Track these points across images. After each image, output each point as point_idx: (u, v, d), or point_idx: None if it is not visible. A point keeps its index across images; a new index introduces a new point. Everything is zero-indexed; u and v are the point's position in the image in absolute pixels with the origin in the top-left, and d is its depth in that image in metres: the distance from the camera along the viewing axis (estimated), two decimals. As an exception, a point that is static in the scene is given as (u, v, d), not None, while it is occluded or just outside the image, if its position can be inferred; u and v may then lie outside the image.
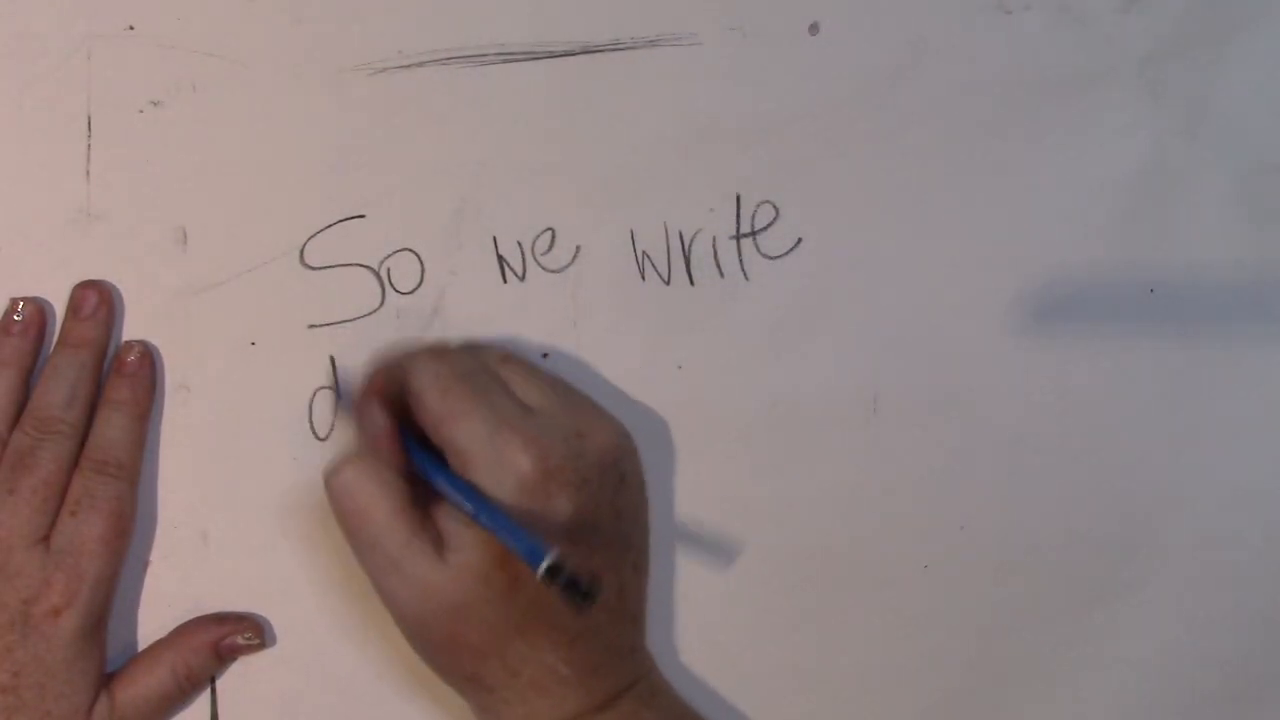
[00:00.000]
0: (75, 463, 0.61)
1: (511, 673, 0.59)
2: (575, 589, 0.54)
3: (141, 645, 0.63)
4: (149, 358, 0.63)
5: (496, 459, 0.58)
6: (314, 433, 0.64)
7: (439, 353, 0.61)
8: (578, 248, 0.65)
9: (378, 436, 0.60)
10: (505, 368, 0.62)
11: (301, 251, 0.64)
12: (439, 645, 0.59)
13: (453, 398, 0.59)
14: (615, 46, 0.65)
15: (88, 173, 0.63)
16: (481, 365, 0.61)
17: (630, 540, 0.62)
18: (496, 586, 0.58)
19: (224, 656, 0.63)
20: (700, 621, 0.67)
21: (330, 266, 0.64)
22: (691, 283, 0.66)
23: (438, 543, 0.58)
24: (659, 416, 0.66)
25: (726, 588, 0.67)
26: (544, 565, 0.54)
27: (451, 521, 0.58)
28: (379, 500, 0.58)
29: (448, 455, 0.59)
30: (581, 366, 0.65)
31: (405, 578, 0.58)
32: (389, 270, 0.64)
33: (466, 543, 0.58)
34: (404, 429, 0.60)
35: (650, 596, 0.64)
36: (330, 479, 0.59)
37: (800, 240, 0.66)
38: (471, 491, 0.57)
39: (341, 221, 0.64)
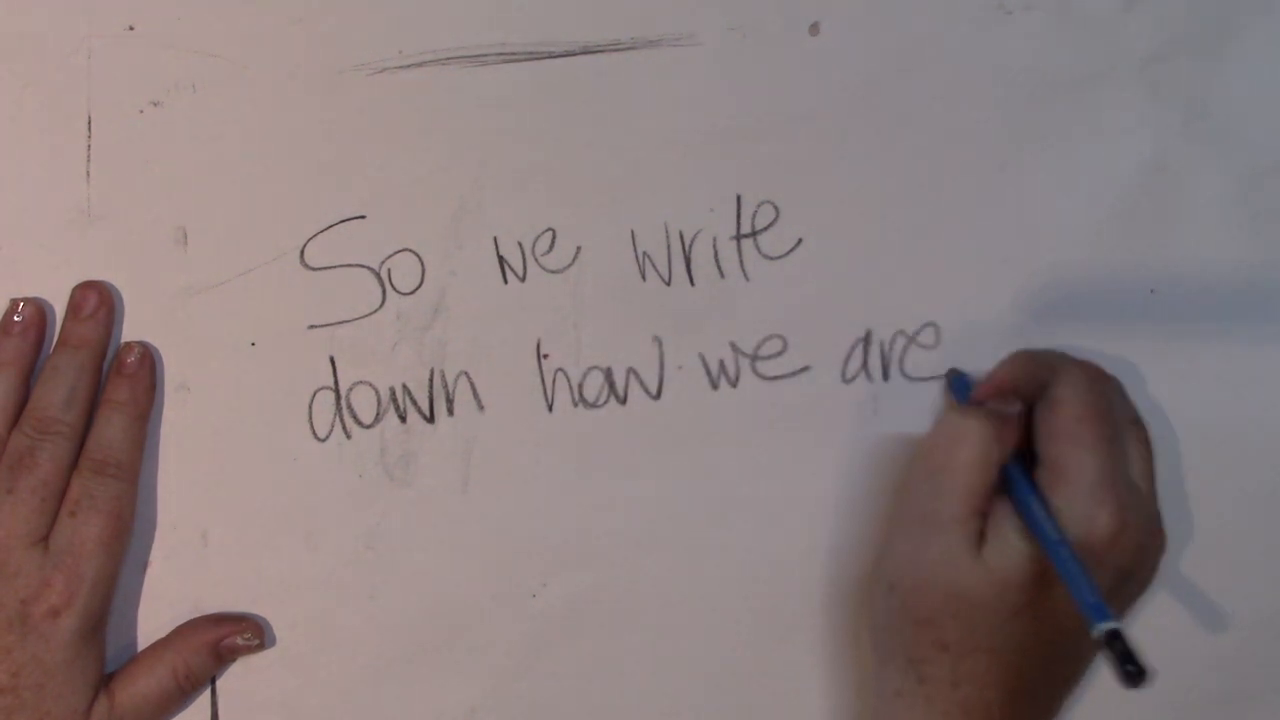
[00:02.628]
0: (74, 463, 0.61)
1: (953, 682, 0.58)
2: (1129, 662, 0.53)
3: (141, 645, 0.64)
4: (149, 358, 0.63)
5: (1084, 502, 0.58)
6: (314, 433, 0.64)
7: (1095, 374, 0.61)
8: (578, 248, 0.65)
9: (1008, 420, 0.60)
10: (1133, 430, 0.62)
11: (301, 251, 0.64)
12: (914, 616, 0.59)
13: (1086, 424, 0.59)
14: (615, 46, 0.65)
15: (88, 173, 0.63)
16: (1121, 413, 0.61)
17: None
18: (1007, 604, 0.58)
19: (224, 657, 0.63)
20: (698, 621, 0.67)
21: (330, 267, 0.64)
22: (692, 283, 0.66)
23: (984, 534, 0.58)
24: (659, 419, 0.66)
25: (722, 588, 0.67)
26: (1107, 627, 0.54)
27: (1005, 522, 0.58)
28: (975, 468, 0.58)
29: (1042, 466, 0.59)
30: (582, 367, 0.65)
31: (939, 544, 0.58)
32: (389, 270, 0.64)
33: (1010, 552, 0.58)
34: None
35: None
36: (953, 415, 0.59)
37: (800, 240, 0.66)
38: (1059, 529, 0.57)
39: (341, 221, 0.64)
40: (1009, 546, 0.58)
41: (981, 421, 0.59)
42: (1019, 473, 0.60)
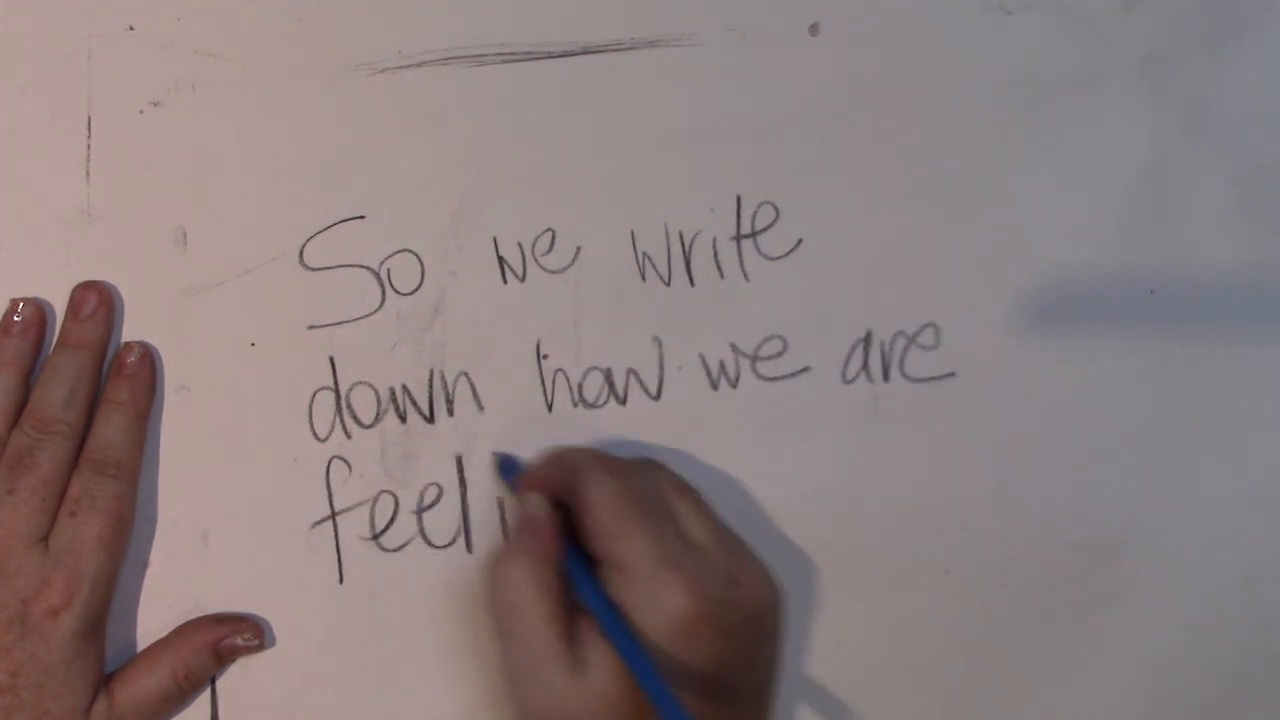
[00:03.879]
0: (74, 463, 0.61)
1: None
2: None
3: (141, 645, 0.64)
4: (149, 358, 0.63)
5: (654, 592, 0.57)
6: (314, 433, 0.64)
7: (618, 468, 0.61)
8: (578, 248, 0.65)
9: (542, 531, 0.60)
10: (677, 497, 0.61)
11: (301, 252, 0.64)
12: None
13: (626, 519, 0.58)
14: (615, 47, 0.65)
15: (88, 173, 0.63)
16: (657, 490, 0.61)
17: (762, 693, 0.61)
18: (622, 713, 0.57)
19: (223, 657, 0.63)
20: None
21: (330, 267, 0.64)
22: (692, 284, 0.66)
23: (578, 655, 0.58)
24: (659, 420, 0.66)
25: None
26: None
27: (594, 635, 0.58)
28: (537, 603, 0.58)
29: (606, 570, 0.59)
30: (582, 367, 0.65)
31: (540, 684, 0.58)
32: (389, 270, 0.65)
33: (604, 663, 0.57)
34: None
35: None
36: (495, 567, 0.59)
37: (800, 241, 0.66)
38: (623, 629, 0.57)
39: (341, 222, 0.64)
40: (600, 656, 0.57)
41: (516, 558, 0.59)
42: (585, 583, 0.59)
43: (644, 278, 0.66)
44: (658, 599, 0.57)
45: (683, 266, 0.66)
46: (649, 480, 0.61)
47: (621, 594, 0.58)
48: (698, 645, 0.57)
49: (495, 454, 0.65)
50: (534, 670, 0.58)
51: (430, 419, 0.65)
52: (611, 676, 0.57)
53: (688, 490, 0.62)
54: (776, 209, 0.66)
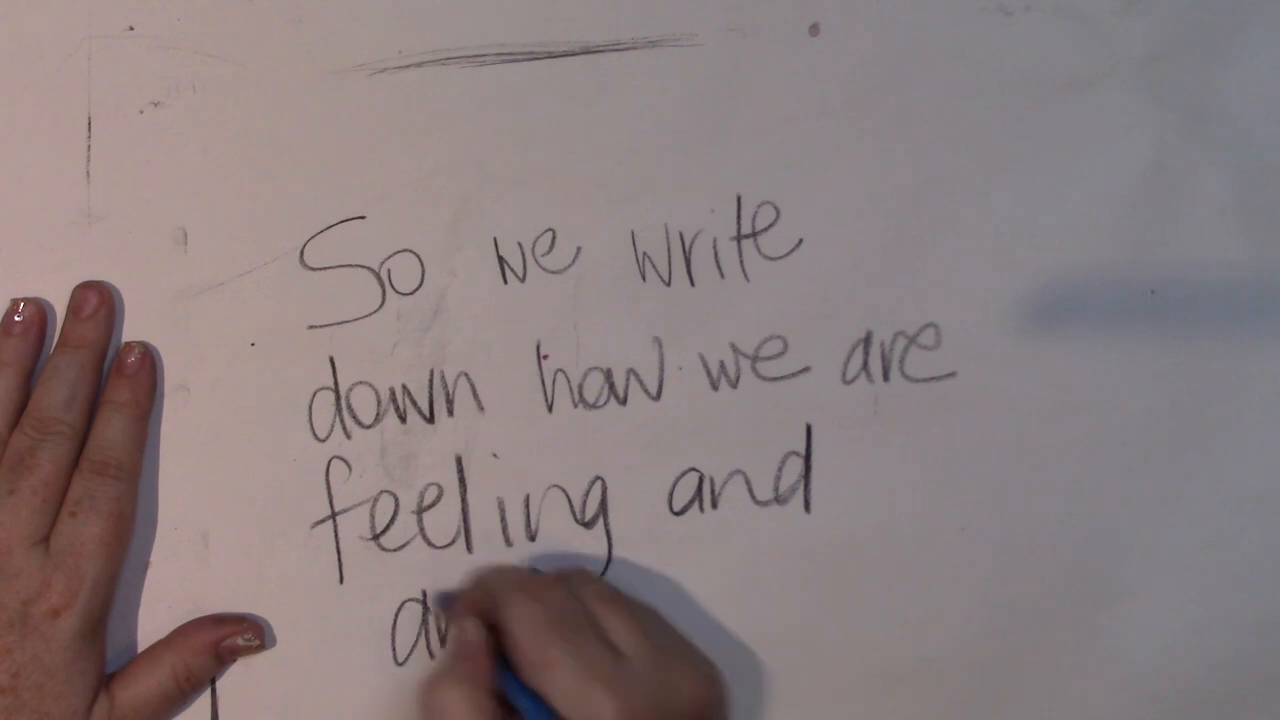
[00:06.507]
0: (75, 463, 0.61)
1: None
2: None
3: (141, 646, 0.64)
4: (149, 359, 0.63)
5: (583, 709, 0.58)
6: (314, 433, 0.64)
7: (534, 591, 0.61)
8: (578, 248, 0.65)
9: (473, 653, 0.60)
10: (600, 605, 0.61)
11: (301, 252, 0.64)
12: None
13: (545, 643, 0.59)
14: (615, 47, 0.65)
15: (88, 173, 0.63)
16: (576, 604, 0.61)
17: None
18: None
19: (224, 658, 0.63)
20: (697, 622, 0.67)
21: (330, 267, 0.64)
22: (692, 284, 0.66)
23: None
24: (659, 420, 0.66)
25: (723, 588, 0.67)
26: None
27: None
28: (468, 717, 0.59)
29: (540, 694, 0.59)
30: (582, 367, 0.66)
31: None
32: (389, 271, 0.65)
33: None
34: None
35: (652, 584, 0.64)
36: (427, 697, 0.59)
37: (800, 241, 0.66)
38: None
39: (341, 222, 0.64)
40: None
41: (447, 683, 0.59)
42: (523, 698, 0.59)
43: (644, 278, 0.66)
44: (587, 715, 0.58)
45: (683, 266, 0.66)
46: (567, 595, 0.61)
47: (558, 715, 0.58)
48: None
49: (434, 594, 0.65)
50: None
51: (430, 419, 0.65)
52: None
53: (615, 599, 0.62)
54: (776, 209, 0.66)
